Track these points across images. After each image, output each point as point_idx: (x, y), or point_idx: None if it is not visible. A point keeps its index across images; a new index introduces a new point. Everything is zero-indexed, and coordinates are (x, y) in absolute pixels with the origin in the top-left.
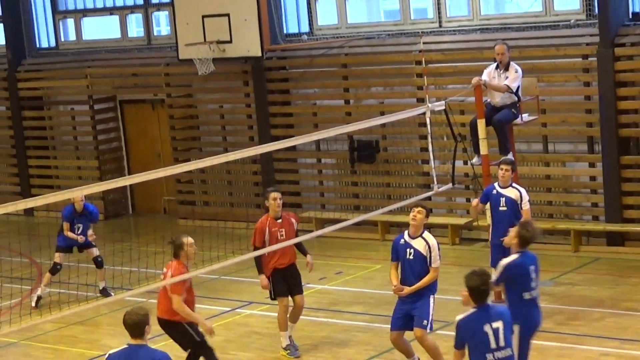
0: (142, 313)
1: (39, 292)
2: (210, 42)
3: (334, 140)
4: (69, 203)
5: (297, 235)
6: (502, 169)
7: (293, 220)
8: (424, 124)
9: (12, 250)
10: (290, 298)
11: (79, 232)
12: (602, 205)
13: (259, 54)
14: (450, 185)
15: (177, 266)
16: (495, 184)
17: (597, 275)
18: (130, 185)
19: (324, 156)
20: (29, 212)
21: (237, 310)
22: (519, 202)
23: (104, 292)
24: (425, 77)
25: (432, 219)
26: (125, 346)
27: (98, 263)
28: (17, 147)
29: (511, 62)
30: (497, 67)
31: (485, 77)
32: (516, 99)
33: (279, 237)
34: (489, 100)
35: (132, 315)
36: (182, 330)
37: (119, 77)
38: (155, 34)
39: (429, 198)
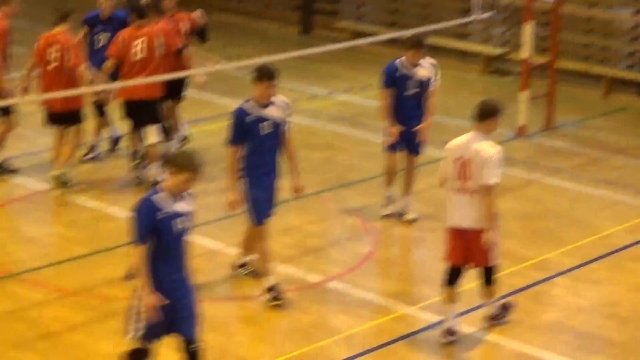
0: None
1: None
2: None
3: None
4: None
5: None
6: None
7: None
8: None
9: None
10: None
11: (100, 45)
12: None
13: None
14: (490, 12)
15: None
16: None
17: (623, 125)
18: None
19: None
20: None
21: None
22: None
23: None
24: None
25: (467, 46)
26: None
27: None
28: None
29: None
30: None
31: None
32: None
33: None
34: None
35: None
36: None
37: None
38: None
39: (468, 24)
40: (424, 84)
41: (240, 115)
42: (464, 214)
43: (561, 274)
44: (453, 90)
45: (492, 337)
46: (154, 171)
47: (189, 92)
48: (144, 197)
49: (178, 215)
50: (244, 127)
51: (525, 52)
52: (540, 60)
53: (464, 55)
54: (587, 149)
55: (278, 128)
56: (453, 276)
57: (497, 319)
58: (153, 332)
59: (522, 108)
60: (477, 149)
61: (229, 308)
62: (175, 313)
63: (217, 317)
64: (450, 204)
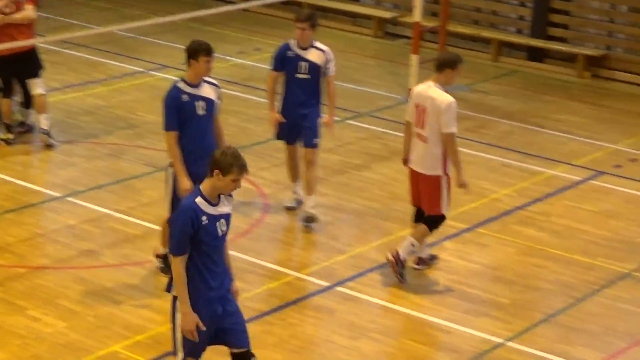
0: None
1: None
2: None
3: None
4: None
5: None
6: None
7: None
8: None
9: None
10: None
11: None
12: (529, 20)
13: None
14: None
15: None
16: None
17: (513, 88)
18: None
19: None
20: None
21: (151, 72)
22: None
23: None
24: None
25: (358, 9)
26: None
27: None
28: None
29: None
30: None
31: None
32: None
33: None
34: None
35: None
36: None
37: None
38: None
39: None
40: (316, 70)
41: (175, 95)
42: (417, 158)
43: (450, 237)
44: (344, 54)
45: (382, 300)
46: (45, 122)
47: (81, 53)
48: (186, 203)
49: (220, 217)
50: (180, 109)
51: (416, 15)
52: (431, 23)
53: (355, 18)
54: (476, 112)
55: (212, 109)
56: (415, 215)
57: (399, 269)
58: (200, 348)
59: (413, 71)
60: (432, 97)
61: (119, 274)
62: (222, 322)
63: (106, 283)
64: (412, 146)
